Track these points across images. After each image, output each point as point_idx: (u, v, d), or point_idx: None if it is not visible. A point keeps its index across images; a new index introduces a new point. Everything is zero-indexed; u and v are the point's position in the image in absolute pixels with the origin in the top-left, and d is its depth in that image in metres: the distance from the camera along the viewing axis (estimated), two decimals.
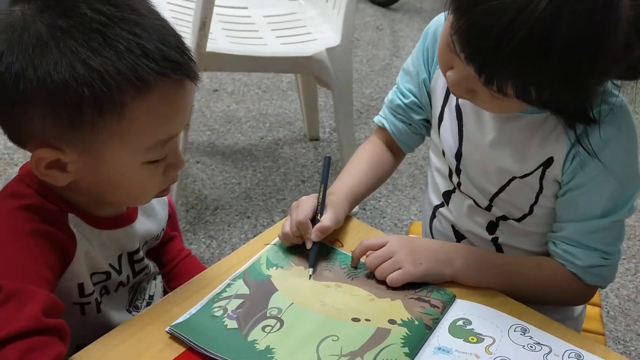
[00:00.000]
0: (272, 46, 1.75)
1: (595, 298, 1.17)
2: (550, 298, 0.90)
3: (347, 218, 0.97)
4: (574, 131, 0.81)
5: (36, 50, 0.65)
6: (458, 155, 0.93)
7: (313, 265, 0.86)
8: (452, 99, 0.93)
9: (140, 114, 0.68)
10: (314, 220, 0.89)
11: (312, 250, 0.87)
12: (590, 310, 1.14)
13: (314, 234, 0.87)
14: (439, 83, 0.95)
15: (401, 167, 2.27)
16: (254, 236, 1.88)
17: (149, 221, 0.88)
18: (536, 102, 0.74)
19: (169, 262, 1.00)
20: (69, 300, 0.77)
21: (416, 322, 0.78)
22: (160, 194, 0.79)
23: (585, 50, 0.69)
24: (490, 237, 0.95)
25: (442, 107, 0.95)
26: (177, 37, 0.71)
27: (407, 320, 0.79)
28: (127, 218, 0.83)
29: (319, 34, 1.83)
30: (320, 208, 0.90)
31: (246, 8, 1.97)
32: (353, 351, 0.73)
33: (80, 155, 0.70)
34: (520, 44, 0.68)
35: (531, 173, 0.87)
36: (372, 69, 2.91)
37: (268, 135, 2.38)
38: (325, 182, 0.93)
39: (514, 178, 0.89)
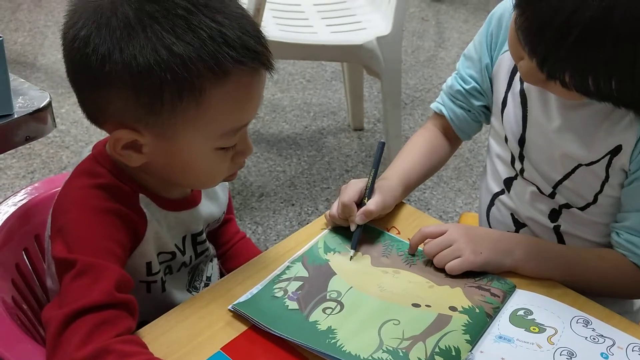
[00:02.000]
0: (322, 35, 1.75)
1: None
2: (611, 290, 0.88)
3: (402, 205, 0.97)
4: None
5: (123, 34, 0.66)
6: (522, 141, 0.92)
7: (355, 247, 0.87)
8: (516, 84, 0.92)
9: (217, 100, 0.69)
10: (360, 203, 0.89)
11: (356, 232, 0.88)
12: None
13: (358, 217, 0.87)
14: (502, 68, 0.94)
15: None
16: (299, 223, 1.91)
17: (212, 204, 0.90)
18: (595, 94, 0.74)
19: (225, 244, 1.01)
20: (137, 278, 0.78)
21: (477, 310, 0.78)
22: (227, 179, 0.80)
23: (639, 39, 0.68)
24: (552, 225, 0.94)
25: (505, 92, 0.94)
26: (256, 26, 0.72)
27: (468, 307, 0.78)
28: (192, 200, 0.85)
29: (369, 22, 1.82)
30: (368, 192, 0.90)
31: None
32: (415, 335, 0.73)
33: (156, 138, 0.72)
34: (577, 38, 0.68)
35: (598, 161, 0.85)
36: (417, 60, 2.89)
37: (312, 125, 2.39)
38: (376, 167, 0.93)
39: (579, 166, 0.87)
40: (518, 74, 0.92)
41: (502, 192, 0.99)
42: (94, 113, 0.74)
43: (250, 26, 0.71)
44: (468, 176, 2.17)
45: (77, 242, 0.70)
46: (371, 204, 0.89)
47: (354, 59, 1.76)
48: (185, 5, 0.67)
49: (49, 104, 0.80)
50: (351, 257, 0.86)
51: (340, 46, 1.69)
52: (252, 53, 0.69)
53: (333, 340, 0.72)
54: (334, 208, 0.90)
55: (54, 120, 0.81)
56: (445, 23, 3.32)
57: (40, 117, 0.80)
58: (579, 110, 0.85)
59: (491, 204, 1.01)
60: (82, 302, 0.66)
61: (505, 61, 0.94)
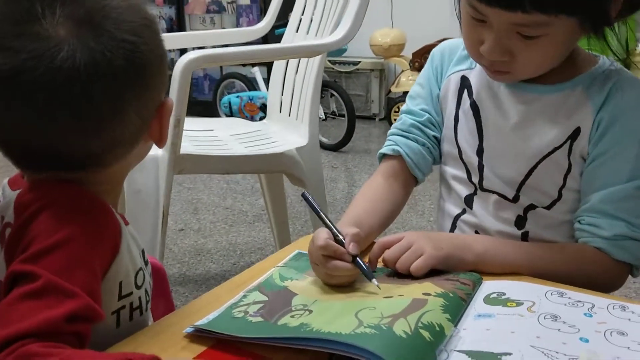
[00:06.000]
0: (240, 152, 1.79)
1: None
2: (577, 280, 0.85)
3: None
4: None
5: None
6: (480, 152, 0.93)
7: (371, 276, 0.77)
8: (465, 100, 0.96)
9: None
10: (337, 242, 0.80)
11: (358, 262, 0.78)
12: None
13: (351, 247, 0.78)
14: (450, 89, 0.98)
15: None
16: None
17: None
18: (572, 7, 0.77)
19: None
20: (109, 307, 0.70)
21: (451, 295, 0.74)
22: None
23: None
24: (519, 232, 0.92)
25: (455, 109, 0.97)
26: None
27: (441, 292, 0.74)
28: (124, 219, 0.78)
29: (285, 140, 1.89)
30: (336, 230, 0.81)
31: (212, 130, 2.04)
32: (394, 314, 0.68)
33: None
34: None
35: (560, 147, 0.87)
36: (334, 197, 2.99)
37: (240, 261, 2.34)
38: (321, 211, 0.85)
39: (542, 160, 0.88)
40: (465, 92, 0.96)
41: (463, 212, 0.98)
42: None
43: None
44: None
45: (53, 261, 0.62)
46: (350, 230, 0.81)
47: (276, 168, 1.79)
48: None
49: None
50: (378, 285, 0.76)
51: (261, 155, 1.72)
52: None
53: (308, 329, 0.66)
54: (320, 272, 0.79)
55: None
56: (354, 168, 3.50)
57: None
58: (534, 103, 0.89)
59: (453, 227, 0.99)
60: (24, 325, 0.57)
61: (451, 82, 0.98)
